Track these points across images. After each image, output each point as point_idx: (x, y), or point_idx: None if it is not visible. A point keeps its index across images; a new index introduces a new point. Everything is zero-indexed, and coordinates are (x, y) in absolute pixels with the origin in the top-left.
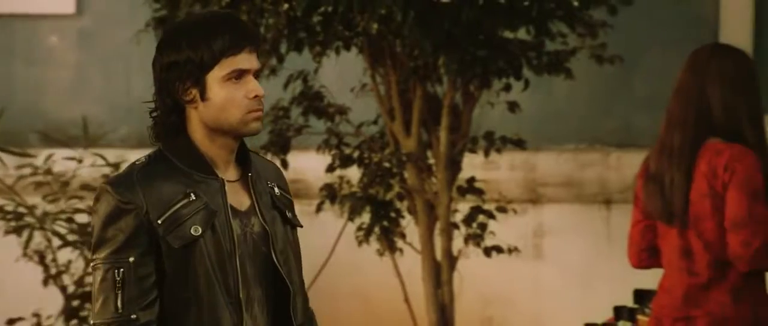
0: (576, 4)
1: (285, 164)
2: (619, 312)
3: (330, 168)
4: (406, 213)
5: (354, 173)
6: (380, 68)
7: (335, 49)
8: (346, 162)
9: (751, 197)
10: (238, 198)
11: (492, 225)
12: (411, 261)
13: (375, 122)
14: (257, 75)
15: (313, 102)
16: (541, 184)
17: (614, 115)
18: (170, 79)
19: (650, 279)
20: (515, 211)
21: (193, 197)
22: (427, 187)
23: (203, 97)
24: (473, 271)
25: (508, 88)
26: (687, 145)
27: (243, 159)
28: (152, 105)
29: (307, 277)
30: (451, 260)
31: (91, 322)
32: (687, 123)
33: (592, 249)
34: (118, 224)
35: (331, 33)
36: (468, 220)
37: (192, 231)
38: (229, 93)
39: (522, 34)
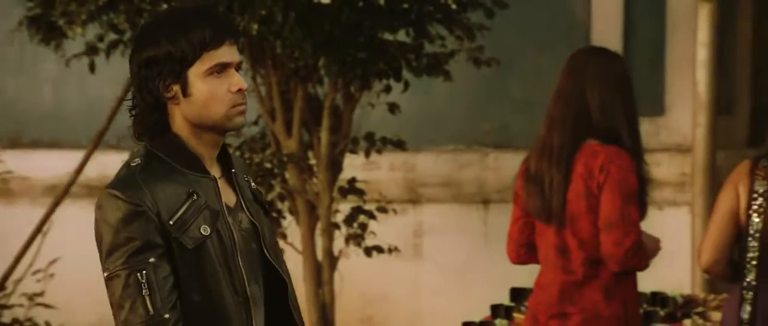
0: (454, 7)
1: None
2: (496, 310)
3: None
4: (287, 214)
5: None
6: (261, 69)
7: None
8: None
9: (623, 198)
10: (227, 194)
11: (372, 225)
12: (292, 262)
13: (256, 123)
14: (238, 68)
15: None
16: (421, 185)
17: (492, 117)
18: (149, 76)
19: (526, 277)
20: (395, 211)
21: (195, 197)
22: (309, 188)
23: (185, 93)
24: (354, 271)
25: (388, 89)
26: (566, 146)
27: (222, 154)
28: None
29: None
30: (332, 260)
31: None
32: (566, 124)
33: (470, 248)
34: (132, 227)
35: None
36: (349, 220)
37: (201, 232)
38: (212, 88)
39: (401, 36)
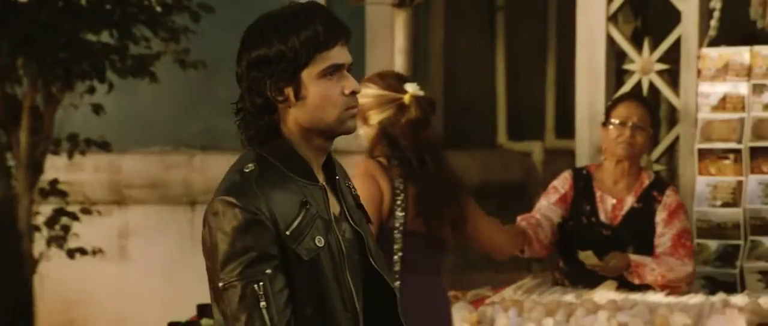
0: (159, 9)
1: None
2: (203, 310)
3: None
4: None
5: None
6: None
7: None
8: None
9: None
10: (332, 203)
11: (76, 226)
12: None
13: None
14: (349, 69)
15: None
16: (127, 186)
17: (198, 119)
18: (260, 77)
19: None
20: (100, 213)
21: (309, 206)
22: None
23: (297, 95)
24: (56, 273)
25: (92, 90)
26: None
27: (326, 161)
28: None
29: None
30: (32, 263)
31: None
32: None
33: (176, 249)
34: (249, 237)
35: None
36: (50, 222)
37: (316, 243)
38: (325, 90)
39: (105, 37)
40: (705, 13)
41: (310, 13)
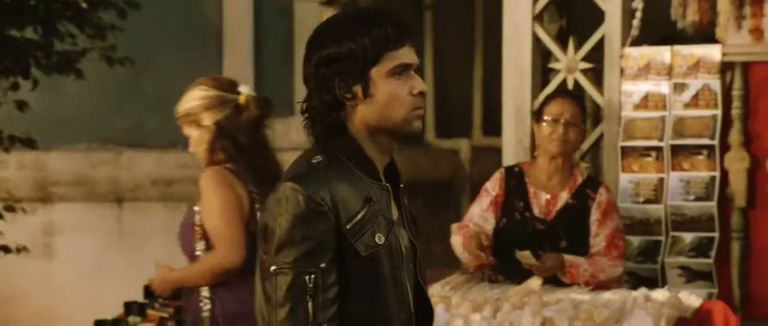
0: (84, 5)
1: None
2: (129, 307)
3: None
4: None
5: None
6: None
7: None
8: None
9: None
10: (392, 206)
11: (0, 225)
12: None
13: None
14: (416, 70)
15: None
16: (52, 183)
17: (125, 116)
18: (329, 75)
19: None
20: (24, 210)
21: (372, 203)
22: None
23: (366, 93)
24: None
25: (16, 86)
26: None
27: (390, 167)
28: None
29: None
30: None
31: None
32: None
33: (103, 246)
34: (309, 226)
35: None
36: None
37: (376, 240)
38: (394, 89)
39: (29, 33)
40: (628, 14)
41: (379, 14)
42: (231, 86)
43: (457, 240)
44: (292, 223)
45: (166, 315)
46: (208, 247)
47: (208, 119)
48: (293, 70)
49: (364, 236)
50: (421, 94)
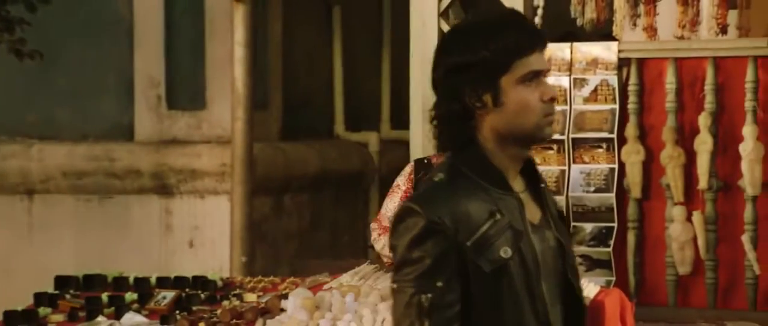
0: None
1: None
2: (40, 298)
3: None
4: None
5: None
6: None
7: None
8: None
9: None
10: (531, 211)
11: None
12: None
13: None
14: (546, 76)
15: None
16: None
17: (36, 108)
18: (458, 83)
19: (71, 266)
20: None
21: (498, 216)
22: None
23: (496, 102)
24: None
25: None
26: None
27: (527, 168)
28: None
29: None
30: None
31: None
32: None
33: (13, 238)
34: (425, 245)
35: None
36: None
37: (502, 254)
38: (524, 96)
39: None
40: (529, 11)
41: (510, 20)
42: None
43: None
44: (410, 243)
45: (77, 305)
46: None
47: None
48: (204, 64)
49: (488, 251)
50: (552, 99)
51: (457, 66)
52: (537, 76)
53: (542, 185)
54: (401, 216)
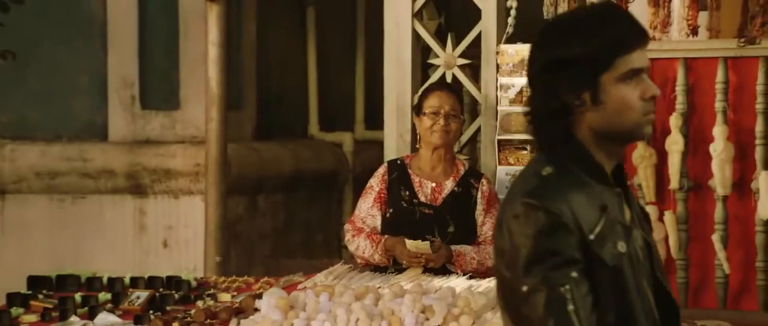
0: None
1: None
2: (12, 298)
3: None
4: None
5: None
6: None
7: None
8: None
9: None
10: (625, 210)
11: None
12: None
13: None
14: (648, 73)
15: None
16: None
17: (9, 109)
18: (557, 80)
19: (45, 266)
20: None
21: (608, 210)
22: None
23: (595, 99)
24: None
25: None
26: None
27: (616, 167)
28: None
29: None
30: None
31: None
32: None
33: None
34: (553, 239)
35: None
36: None
37: (619, 248)
38: (625, 94)
39: None
40: (503, 12)
41: (612, 15)
42: None
43: (363, 244)
44: (536, 240)
45: (50, 305)
46: None
47: None
48: (178, 64)
49: (608, 245)
50: (653, 97)
51: (555, 62)
52: (637, 74)
53: (630, 183)
54: (519, 212)
